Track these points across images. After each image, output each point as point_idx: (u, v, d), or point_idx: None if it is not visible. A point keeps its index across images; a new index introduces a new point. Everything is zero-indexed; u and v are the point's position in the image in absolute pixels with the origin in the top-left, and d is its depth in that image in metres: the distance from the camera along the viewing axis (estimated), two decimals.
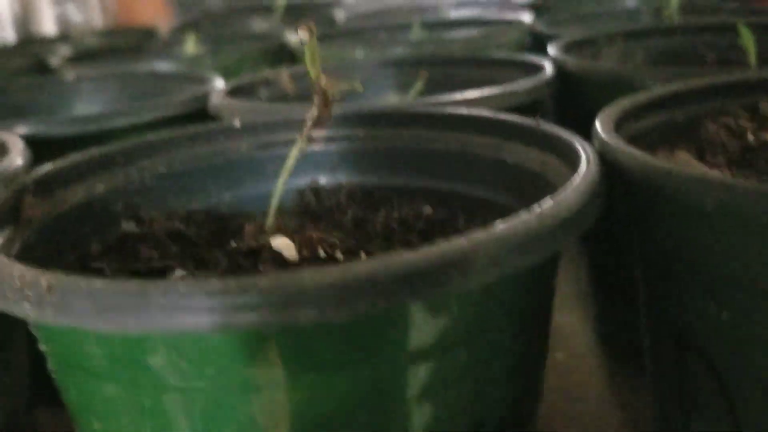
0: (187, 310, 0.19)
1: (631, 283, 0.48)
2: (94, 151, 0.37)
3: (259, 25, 1.19)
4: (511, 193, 0.37)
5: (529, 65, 0.58)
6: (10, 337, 0.34)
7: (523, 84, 0.48)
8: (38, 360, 0.32)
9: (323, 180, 0.43)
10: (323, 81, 0.29)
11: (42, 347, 0.26)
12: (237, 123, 0.42)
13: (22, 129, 0.47)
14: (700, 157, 0.36)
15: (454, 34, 0.87)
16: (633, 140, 0.33)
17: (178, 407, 0.24)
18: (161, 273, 0.32)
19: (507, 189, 0.37)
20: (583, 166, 0.28)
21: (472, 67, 0.66)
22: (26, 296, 0.21)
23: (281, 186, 0.32)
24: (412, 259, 0.20)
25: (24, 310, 0.21)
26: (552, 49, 0.57)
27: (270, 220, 0.32)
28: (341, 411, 0.24)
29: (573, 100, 0.55)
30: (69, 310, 0.20)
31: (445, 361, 0.24)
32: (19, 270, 0.21)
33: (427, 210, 0.40)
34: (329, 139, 0.43)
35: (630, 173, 0.28)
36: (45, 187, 0.33)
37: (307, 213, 0.40)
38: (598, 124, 0.33)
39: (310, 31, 0.28)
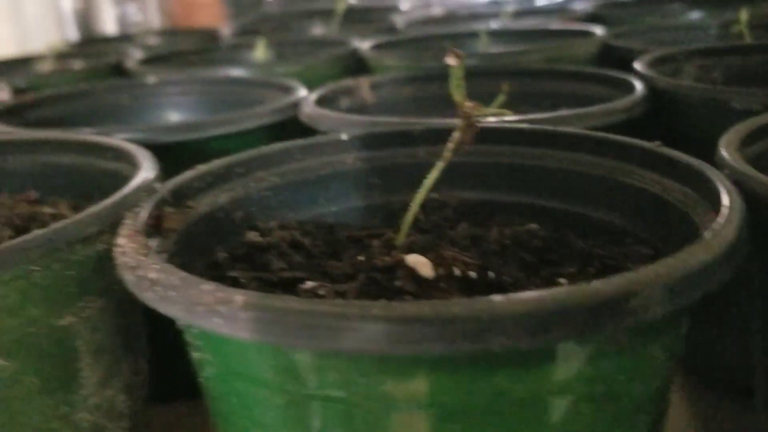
0: (383, 335, 0.20)
1: (725, 311, 0.48)
2: (217, 163, 0.38)
3: (319, 29, 1.20)
4: (624, 215, 0.37)
5: (614, 81, 0.58)
6: (139, 342, 0.36)
7: (622, 102, 0.48)
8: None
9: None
10: (468, 105, 0.29)
11: (198, 355, 0.27)
12: (344, 136, 0.43)
13: (122, 135, 0.48)
14: None
15: (522, 45, 0.87)
16: None
17: (336, 419, 0.24)
18: (292, 283, 0.32)
19: (620, 210, 0.37)
20: (725, 196, 0.28)
21: (550, 80, 0.67)
22: (217, 312, 0.22)
23: (418, 202, 0.32)
24: (605, 289, 0.20)
25: (213, 325, 0.22)
26: (639, 66, 0.57)
27: (402, 236, 0.33)
28: None
29: (658, 118, 0.54)
30: (265, 328, 0.21)
31: (598, 392, 0.24)
32: (210, 286, 0.22)
33: (534, 227, 0.40)
34: (431, 154, 0.43)
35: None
36: (178, 197, 0.34)
37: (415, 226, 0.41)
38: (724, 151, 0.33)
39: (457, 56, 0.29)
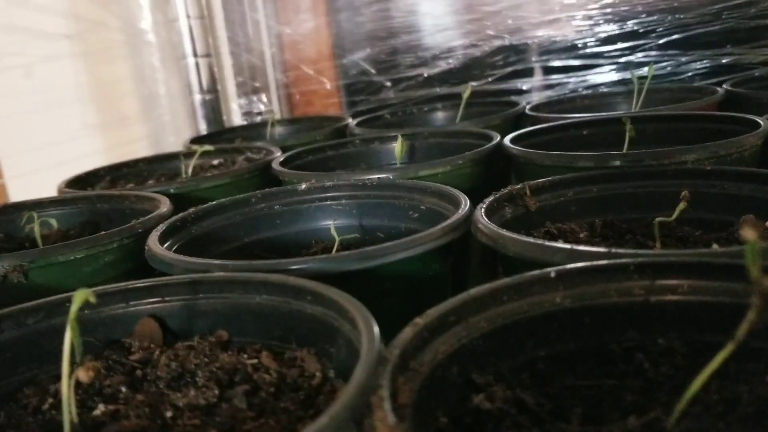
0: None
1: None
2: (432, 313, 0.35)
3: (441, 115, 1.19)
4: None
5: None
6: None
7: None
8: None
9: (642, 338, 0.39)
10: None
11: None
12: (552, 272, 0.40)
13: (300, 266, 0.47)
14: None
15: (672, 132, 0.83)
16: None
17: None
18: None
19: None
20: None
21: (722, 181, 0.62)
22: None
23: (695, 388, 0.28)
24: None
25: None
26: None
27: (674, 418, 0.28)
28: None
29: None
30: None
31: None
32: None
33: None
34: (647, 290, 0.39)
35: None
36: (404, 361, 0.32)
37: (641, 375, 0.37)
38: None
39: (755, 228, 0.25)
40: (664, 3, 1.19)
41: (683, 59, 1.20)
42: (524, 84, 1.29)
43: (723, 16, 1.18)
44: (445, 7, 1.33)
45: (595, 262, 0.40)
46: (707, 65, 1.22)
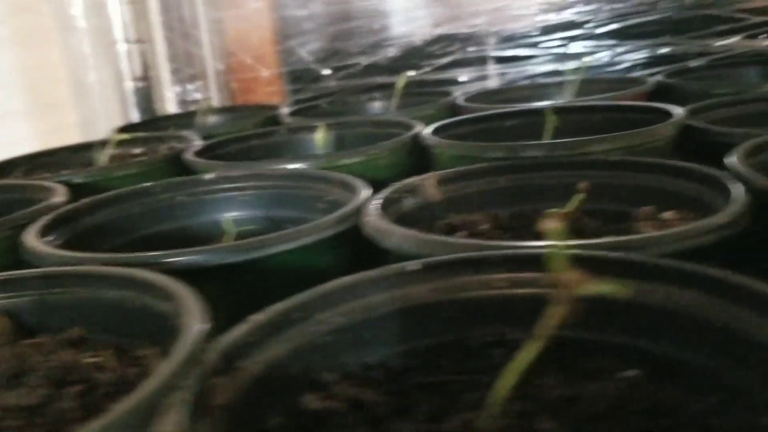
0: None
1: None
2: (274, 309, 0.34)
3: (378, 104, 1.18)
4: (739, 367, 0.31)
5: (706, 178, 0.52)
6: None
7: (719, 217, 0.42)
8: None
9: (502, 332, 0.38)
10: (570, 275, 0.25)
11: None
12: (416, 265, 0.39)
13: (173, 259, 0.46)
14: None
15: (592, 123, 0.82)
16: None
17: None
18: None
19: (737, 361, 0.32)
20: None
21: (630, 172, 0.62)
22: None
23: (506, 387, 0.27)
24: None
25: None
26: (735, 161, 0.52)
27: (485, 419, 0.28)
28: None
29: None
30: None
31: None
32: None
33: (632, 373, 0.35)
34: (513, 283, 0.39)
35: None
36: (229, 360, 0.30)
37: (495, 372, 0.36)
38: None
39: (556, 218, 0.24)
40: None
41: (620, 50, 1.21)
42: (462, 74, 1.28)
43: (660, 6, 1.18)
44: None
45: (458, 255, 0.39)
46: (645, 56, 1.22)
